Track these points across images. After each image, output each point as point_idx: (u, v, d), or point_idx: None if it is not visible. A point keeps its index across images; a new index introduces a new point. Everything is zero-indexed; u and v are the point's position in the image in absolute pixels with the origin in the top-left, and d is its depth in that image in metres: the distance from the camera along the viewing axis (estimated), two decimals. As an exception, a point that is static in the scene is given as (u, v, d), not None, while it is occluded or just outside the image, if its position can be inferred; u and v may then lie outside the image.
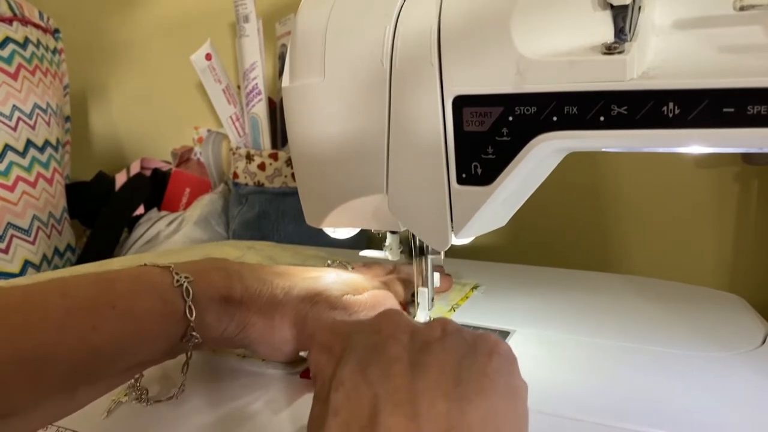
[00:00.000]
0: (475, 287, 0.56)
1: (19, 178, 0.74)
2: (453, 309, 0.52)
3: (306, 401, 0.39)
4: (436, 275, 0.47)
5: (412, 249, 0.45)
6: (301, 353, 0.41)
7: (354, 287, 0.44)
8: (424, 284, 0.46)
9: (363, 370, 0.27)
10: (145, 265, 0.38)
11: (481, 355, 0.28)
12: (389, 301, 0.45)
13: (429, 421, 0.25)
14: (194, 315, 0.36)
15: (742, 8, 0.29)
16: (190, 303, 0.36)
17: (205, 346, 0.38)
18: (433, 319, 0.31)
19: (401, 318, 0.31)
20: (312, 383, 0.31)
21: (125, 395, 0.40)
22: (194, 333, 0.36)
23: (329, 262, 0.53)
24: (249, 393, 0.40)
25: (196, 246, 0.74)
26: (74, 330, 0.32)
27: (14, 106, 0.74)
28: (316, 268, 0.46)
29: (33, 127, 0.76)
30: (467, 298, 0.54)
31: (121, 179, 0.90)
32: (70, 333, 0.32)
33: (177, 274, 0.37)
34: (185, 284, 0.36)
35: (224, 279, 0.39)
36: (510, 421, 0.27)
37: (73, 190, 0.86)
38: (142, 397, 0.39)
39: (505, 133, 0.33)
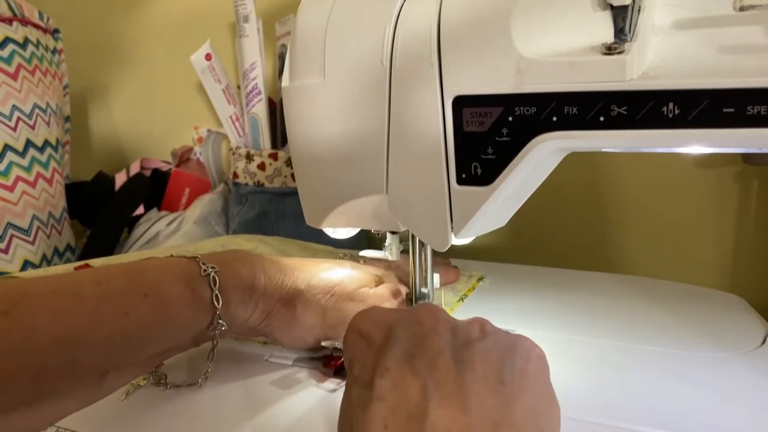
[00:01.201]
0: (480, 279, 0.58)
1: (18, 178, 0.74)
2: (461, 299, 0.53)
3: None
4: (436, 276, 0.47)
5: (411, 249, 0.46)
6: (323, 343, 0.43)
7: (368, 280, 0.46)
8: (424, 284, 0.47)
9: (409, 360, 0.28)
10: (172, 256, 0.39)
11: (520, 357, 0.29)
12: (403, 294, 0.47)
13: (479, 415, 0.26)
14: (221, 303, 0.38)
15: (742, 8, 0.29)
16: (217, 292, 0.38)
17: (229, 334, 0.40)
18: (472, 318, 0.32)
19: (441, 313, 0.31)
20: (345, 368, 0.32)
21: (143, 380, 0.41)
22: (221, 320, 0.38)
23: (341, 255, 0.54)
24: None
25: (210, 239, 0.74)
26: (108, 316, 0.33)
27: (14, 106, 0.74)
28: (330, 261, 0.47)
29: (33, 127, 0.76)
30: (474, 289, 0.56)
31: (121, 179, 0.90)
32: (105, 318, 0.33)
33: (203, 264, 0.38)
34: (212, 274, 0.38)
35: (248, 269, 0.40)
36: (549, 421, 0.28)
37: (73, 190, 0.86)
38: (161, 382, 0.41)
39: (505, 134, 0.33)
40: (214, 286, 0.38)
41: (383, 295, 0.45)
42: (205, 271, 0.38)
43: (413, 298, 0.47)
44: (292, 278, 0.42)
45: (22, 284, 0.32)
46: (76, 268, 0.41)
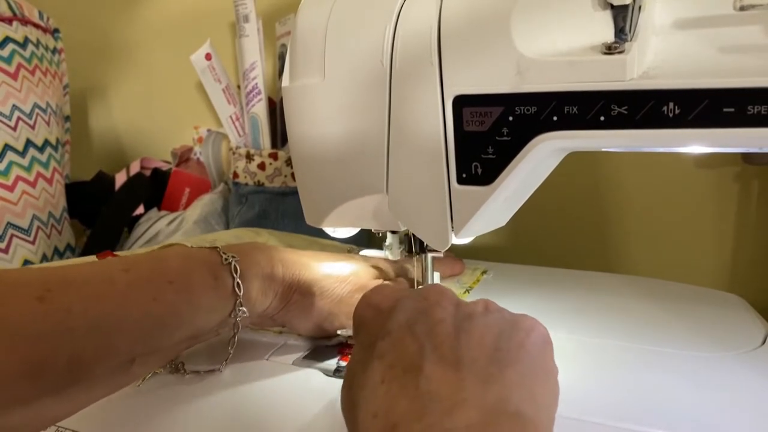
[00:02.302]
0: (484, 272, 0.60)
1: (18, 178, 0.74)
2: (467, 291, 0.55)
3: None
4: (437, 275, 0.47)
5: (413, 249, 0.46)
6: (339, 331, 0.45)
7: (378, 274, 0.48)
8: (424, 283, 0.47)
9: (410, 326, 0.30)
10: (191, 247, 0.41)
11: (520, 330, 0.30)
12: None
13: (470, 374, 0.27)
14: (242, 291, 0.39)
15: (742, 8, 0.29)
16: (238, 279, 0.39)
17: (248, 321, 0.42)
18: (478, 299, 0.33)
19: (447, 291, 0.33)
20: (354, 335, 0.34)
21: (160, 368, 0.43)
22: (242, 308, 0.39)
23: (348, 249, 0.57)
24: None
25: (224, 231, 0.74)
26: (137, 301, 0.34)
27: (14, 105, 0.74)
28: (341, 254, 0.49)
29: (33, 127, 0.76)
30: (478, 281, 0.58)
31: (121, 179, 0.90)
32: (134, 303, 0.34)
33: (224, 253, 0.40)
34: (233, 262, 0.39)
35: (267, 259, 0.42)
36: (543, 391, 0.29)
37: (73, 189, 0.86)
38: (180, 369, 0.43)
39: (505, 133, 0.33)
40: (236, 274, 0.39)
41: (394, 288, 0.47)
42: (226, 259, 0.39)
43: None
44: (308, 269, 0.44)
45: (54, 271, 0.33)
46: (98, 256, 0.43)
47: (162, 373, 0.42)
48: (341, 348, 0.45)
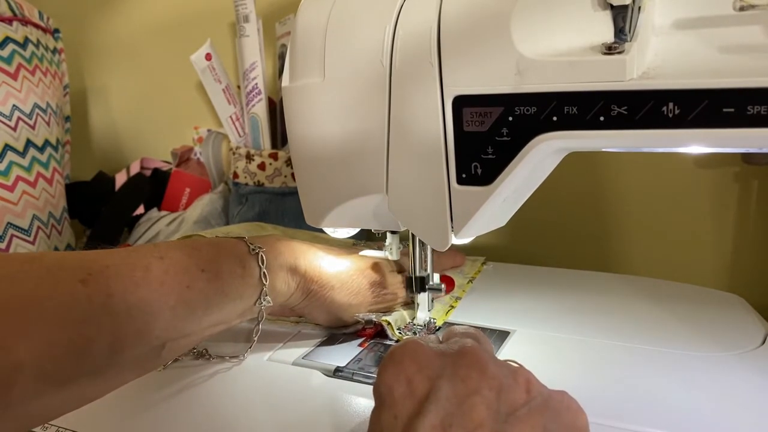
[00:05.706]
0: (484, 263, 0.62)
1: (19, 178, 0.74)
2: (470, 281, 0.57)
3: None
4: (436, 276, 0.47)
5: (412, 248, 0.46)
6: (356, 316, 0.47)
7: (392, 267, 0.50)
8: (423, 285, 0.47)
9: (444, 429, 0.26)
10: (217, 237, 0.43)
11: (565, 429, 0.29)
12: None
13: None
14: (268, 281, 0.41)
15: (742, 8, 0.29)
16: (265, 270, 0.41)
17: (268, 311, 0.43)
18: (515, 366, 0.31)
19: (489, 365, 0.29)
20: (373, 394, 0.30)
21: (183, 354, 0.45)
22: (267, 297, 0.41)
23: (353, 243, 0.59)
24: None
25: (235, 225, 0.74)
26: (172, 287, 0.36)
27: (14, 105, 0.74)
28: (352, 249, 0.50)
29: (33, 127, 0.76)
30: (479, 272, 0.60)
31: (121, 179, 0.90)
32: (169, 290, 0.35)
33: (251, 244, 0.41)
34: (260, 253, 0.41)
35: (289, 252, 0.44)
36: None
37: (73, 190, 0.86)
38: (204, 354, 0.45)
39: (505, 133, 0.33)
40: (262, 264, 0.41)
41: (400, 283, 0.49)
42: (253, 250, 0.41)
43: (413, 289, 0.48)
44: (327, 262, 0.45)
45: (92, 256, 0.34)
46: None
47: (185, 360, 0.44)
48: (360, 332, 0.47)
